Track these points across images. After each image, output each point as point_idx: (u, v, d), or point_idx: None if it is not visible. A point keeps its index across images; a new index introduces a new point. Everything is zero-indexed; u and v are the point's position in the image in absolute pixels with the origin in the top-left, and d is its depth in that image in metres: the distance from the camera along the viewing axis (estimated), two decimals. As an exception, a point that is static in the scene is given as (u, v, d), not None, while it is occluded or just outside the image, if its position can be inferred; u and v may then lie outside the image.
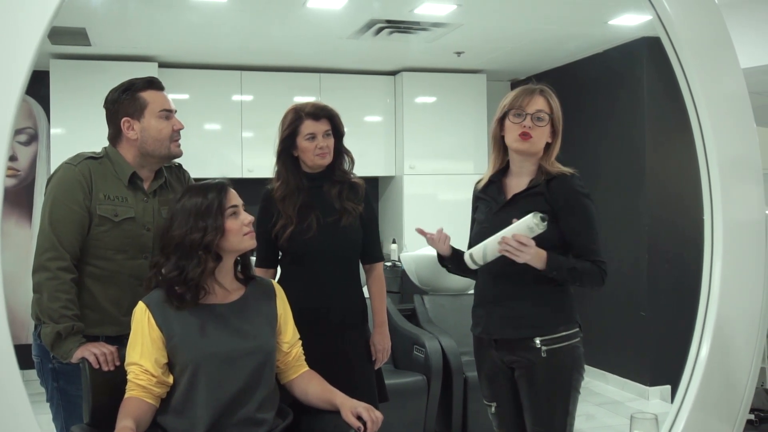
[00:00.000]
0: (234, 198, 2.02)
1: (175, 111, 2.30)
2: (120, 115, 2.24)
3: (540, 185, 2.24)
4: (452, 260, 2.40)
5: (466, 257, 2.26)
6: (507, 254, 2.12)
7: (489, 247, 2.19)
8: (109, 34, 4.86)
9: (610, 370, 5.43)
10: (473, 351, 2.42)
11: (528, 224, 2.10)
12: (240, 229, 1.99)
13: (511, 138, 2.26)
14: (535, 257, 2.13)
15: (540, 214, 2.09)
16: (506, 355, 2.28)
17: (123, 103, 2.23)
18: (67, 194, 2.15)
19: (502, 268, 2.21)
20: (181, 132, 2.31)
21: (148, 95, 2.24)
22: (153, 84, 2.27)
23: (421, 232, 2.36)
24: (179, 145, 2.30)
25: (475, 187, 2.46)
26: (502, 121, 2.30)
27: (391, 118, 6.19)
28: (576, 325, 2.25)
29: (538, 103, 2.24)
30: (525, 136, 2.23)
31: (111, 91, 2.27)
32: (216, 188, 2.00)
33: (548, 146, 2.28)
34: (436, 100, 6.21)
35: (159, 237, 2.02)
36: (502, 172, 2.36)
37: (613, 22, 4.70)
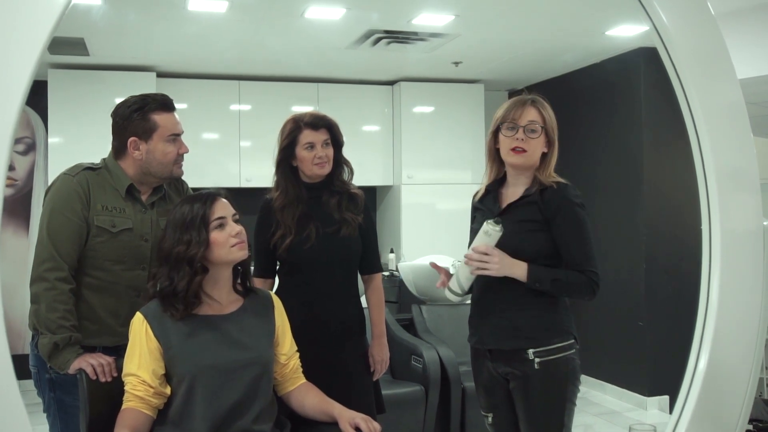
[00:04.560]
0: (221, 209, 1.98)
1: (182, 133, 2.29)
2: (128, 134, 2.21)
3: (534, 194, 2.24)
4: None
5: (446, 293, 2.28)
6: (479, 272, 2.14)
7: (460, 272, 2.21)
8: (108, 44, 4.86)
9: (608, 380, 5.43)
10: (470, 361, 2.42)
11: (484, 230, 2.12)
12: (226, 241, 1.96)
13: (505, 151, 2.25)
14: (513, 268, 2.14)
15: (493, 219, 2.12)
16: (501, 366, 2.27)
17: (133, 122, 2.21)
18: (65, 205, 2.15)
19: (496, 277, 2.21)
20: None
21: (159, 118, 2.22)
22: (166, 106, 2.24)
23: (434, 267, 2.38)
24: (181, 167, 2.30)
25: (473, 198, 2.47)
26: (496, 133, 2.29)
27: (389, 127, 6.21)
28: (571, 337, 2.24)
29: (530, 115, 2.23)
30: (518, 150, 2.22)
31: (122, 105, 2.24)
32: (202, 199, 1.97)
33: (545, 156, 2.27)
34: (434, 110, 6.22)
35: (156, 248, 2.02)
36: (498, 182, 2.36)
37: (611, 33, 4.72)
